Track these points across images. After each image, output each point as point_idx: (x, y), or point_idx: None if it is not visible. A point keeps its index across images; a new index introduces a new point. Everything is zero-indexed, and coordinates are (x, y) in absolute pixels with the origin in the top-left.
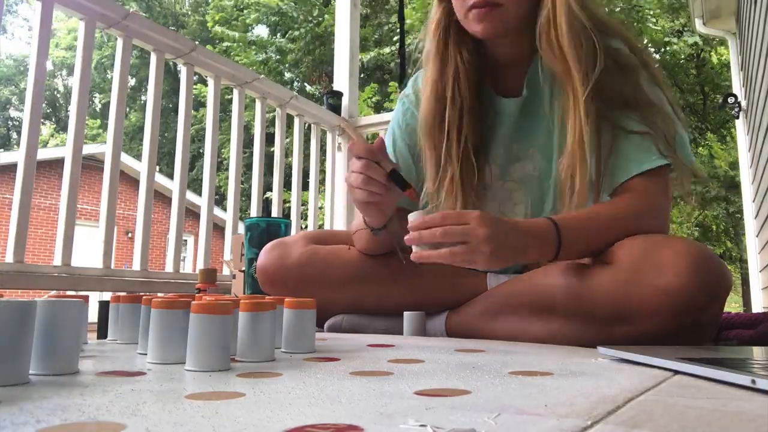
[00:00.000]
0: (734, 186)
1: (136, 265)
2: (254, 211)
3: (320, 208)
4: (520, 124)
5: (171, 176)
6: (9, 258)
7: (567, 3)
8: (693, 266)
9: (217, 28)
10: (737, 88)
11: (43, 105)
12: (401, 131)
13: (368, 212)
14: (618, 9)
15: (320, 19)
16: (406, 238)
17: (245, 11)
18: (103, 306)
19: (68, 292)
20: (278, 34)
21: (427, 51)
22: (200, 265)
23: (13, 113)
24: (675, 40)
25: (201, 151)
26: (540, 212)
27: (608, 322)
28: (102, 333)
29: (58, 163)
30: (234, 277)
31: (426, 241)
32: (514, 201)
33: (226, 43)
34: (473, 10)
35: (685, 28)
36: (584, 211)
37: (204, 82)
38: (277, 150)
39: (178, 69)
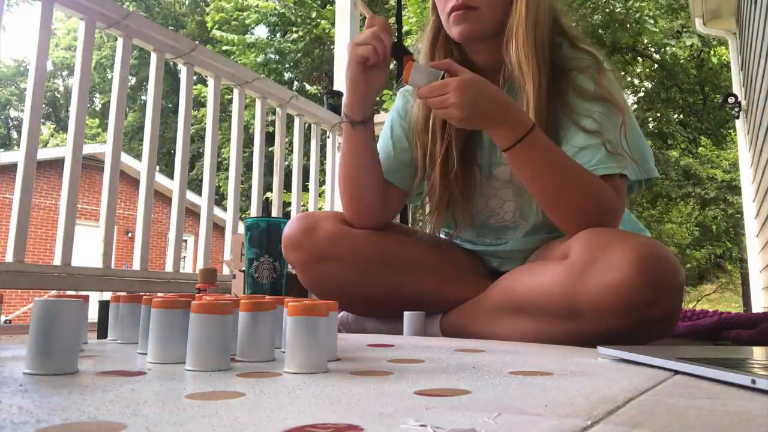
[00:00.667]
0: (732, 188)
1: (136, 265)
2: (254, 211)
3: (320, 208)
4: None
5: (171, 176)
6: (9, 258)
7: (526, 14)
8: (639, 263)
9: (216, 32)
10: (737, 88)
11: (43, 105)
12: (400, 118)
13: (359, 82)
14: (617, 10)
15: (318, 21)
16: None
17: (245, 13)
18: (103, 306)
19: (68, 292)
20: (278, 34)
21: (420, 57)
22: (200, 265)
23: (13, 113)
24: (674, 42)
25: (201, 150)
26: (530, 210)
27: (563, 319)
28: (102, 333)
29: (58, 162)
30: (234, 277)
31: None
32: (503, 198)
33: (225, 47)
34: (452, 13)
35: (685, 29)
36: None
37: (204, 82)
38: (277, 150)
39: (178, 69)
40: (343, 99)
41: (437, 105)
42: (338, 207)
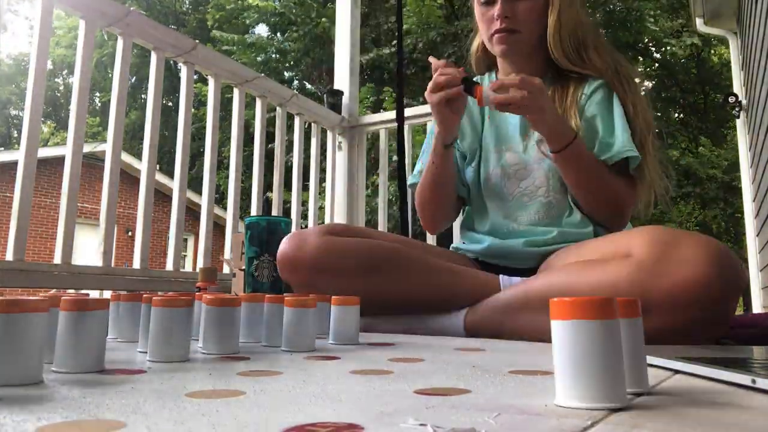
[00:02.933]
0: (732, 188)
1: (137, 264)
2: (254, 209)
3: (320, 208)
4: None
5: (171, 175)
6: (9, 256)
7: (559, 30)
8: (712, 259)
9: (216, 32)
10: (738, 87)
11: (44, 103)
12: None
13: (445, 113)
14: (618, 9)
15: (318, 20)
16: (488, 88)
17: (245, 13)
18: None
19: (68, 291)
20: (278, 34)
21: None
22: (201, 264)
23: (13, 112)
24: (674, 41)
25: (201, 149)
26: (543, 183)
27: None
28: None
29: (59, 161)
30: (234, 275)
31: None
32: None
33: (225, 46)
34: (496, 35)
35: (685, 28)
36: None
37: (204, 81)
38: (277, 149)
39: (179, 67)
40: (435, 127)
41: (517, 99)
42: (338, 206)
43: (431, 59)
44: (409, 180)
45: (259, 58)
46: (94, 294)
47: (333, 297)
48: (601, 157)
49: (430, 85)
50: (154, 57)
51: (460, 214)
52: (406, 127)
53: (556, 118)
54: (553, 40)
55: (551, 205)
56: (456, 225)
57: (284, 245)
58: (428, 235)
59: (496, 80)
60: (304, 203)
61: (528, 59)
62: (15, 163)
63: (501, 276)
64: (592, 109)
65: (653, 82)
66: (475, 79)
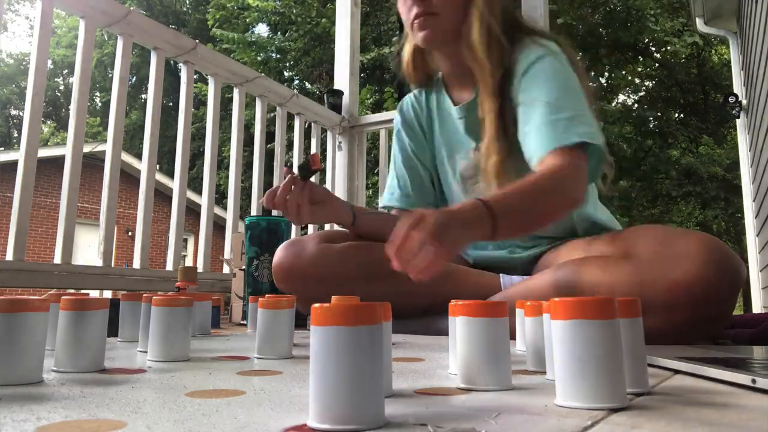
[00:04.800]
0: (732, 188)
1: (137, 264)
2: (254, 209)
3: None
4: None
5: (171, 175)
6: (9, 256)
7: (478, 18)
8: (711, 256)
9: (216, 31)
10: (738, 87)
11: (44, 103)
12: (398, 149)
13: (324, 217)
14: (618, 9)
15: (319, 20)
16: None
17: (245, 12)
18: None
19: (68, 291)
20: (278, 33)
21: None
22: (201, 264)
23: (13, 112)
24: (675, 40)
25: (201, 149)
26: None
27: None
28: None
29: (59, 161)
30: (234, 275)
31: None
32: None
33: (225, 45)
34: (415, 21)
35: (686, 28)
36: (510, 185)
37: (204, 81)
38: (277, 148)
39: (179, 67)
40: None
41: (411, 254)
42: None
43: (263, 202)
44: (381, 202)
45: (259, 58)
46: (94, 294)
47: (332, 296)
48: (557, 134)
49: (288, 215)
50: (154, 57)
51: None
52: None
53: (463, 230)
54: (475, 22)
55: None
56: None
57: (279, 255)
58: None
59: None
60: None
61: (457, 53)
62: (15, 163)
63: (501, 275)
64: (536, 87)
65: (653, 82)
66: (411, 95)
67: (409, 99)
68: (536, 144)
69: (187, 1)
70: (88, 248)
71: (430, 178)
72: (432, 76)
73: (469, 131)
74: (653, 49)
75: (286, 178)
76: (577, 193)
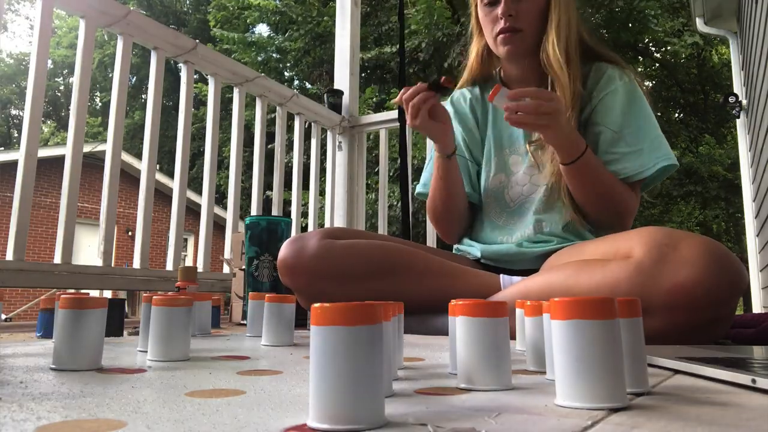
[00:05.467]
0: (733, 187)
1: (137, 264)
2: (254, 209)
3: (320, 208)
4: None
5: (171, 175)
6: (9, 256)
7: (558, 31)
8: (713, 260)
9: (216, 31)
10: (738, 87)
11: (44, 103)
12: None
13: (434, 129)
14: (618, 9)
15: (319, 19)
16: (506, 106)
17: (246, 12)
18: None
19: (69, 290)
20: (278, 33)
21: (465, 72)
22: (201, 264)
23: (13, 112)
24: (675, 40)
25: (201, 149)
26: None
27: None
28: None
29: (59, 161)
30: (234, 275)
31: (522, 109)
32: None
33: (226, 45)
34: (500, 36)
35: (686, 28)
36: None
37: (204, 81)
38: (277, 148)
39: (179, 67)
40: (434, 144)
41: (544, 109)
42: (338, 205)
43: (395, 100)
44: (417, 189)
45: (259, 58)
46: (94, 294)
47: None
48: (632, 167)
49: (408, 115)
50: (154, 57)
51: None
52: (407, 127)
53: (568, 130)
54: (555, 39)
55: (552, 211)
56: None
57: (283, 251)
58: (428, 236)
59: (509, 90)
60: (304, 203)
61: (531, 60)
62: (15, 163)
63: (501, 275)
64: (616, 109)
65: (653, 82)
66: (473, 86)
67: (461, 93)
68: (621, 168)
69: (188, 1)
70: (88, 248)
71: (475, 170)
72: (491, 75)
73: (525, 132)
74: (653, 49)
75: (418, 85)
76: (627, 224)
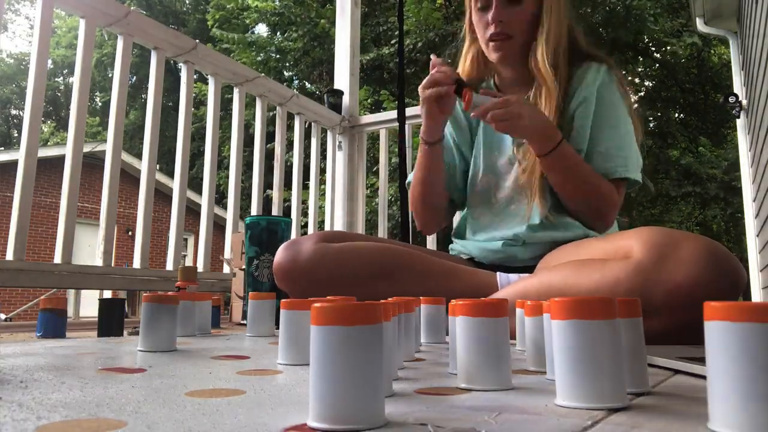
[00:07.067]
0: (732, 188)
1: (137, 263)
2: (255, 209)
3: (320, 207)
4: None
5: (171, 174)
6: (9, 256)
7: (548, 36)
8: (712, 260)
9: (216, 31)
10: (738, 87)
11: (44, 103)
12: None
13: (433, 110)
14: (618, 9)
15: (318, 20)
16: (472, 115)
17: (245, 12)
18: (106, 304)
19: (69, 290)
20: (278, 33)
21: (459, 70)
22: (201, 263)
23: (13, 112)
24: (675, 40)
25: (201, 149)
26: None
27: None
28: (104, 331)
29: (59, 161)
30: (234, 275)
31: (488, 117)
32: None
33: (225, 45)
34: (491, 42)
35: (686, 28)
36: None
37: (204, 81)
38: (277, 148)
39: (179, 67)
40: (422, 127)
41: (500, 117)
42: (338, 205)
43: (433, 57)
44: (408, 179)
45: (259, 58)
46: (94, 294)
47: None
48: (603, 165)
49: (425, 80)
50: (154, 57)
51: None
52: (407, 127)
53: (540, 124)
54: (544, 46)
55: (536, 209)
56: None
57: (279, 256)
58: (428, 237)
59: (486, 92)
60: (304, 202)
61: (522, 65)
62: (15, 163)
63: (498, 274)
64: (596, 107)
65: (653, 82)
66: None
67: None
68: (600, 166)
69: (187, 1)
70: (88, 248)
71: (462, 170)
72: (484, 78)
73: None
74: (653, 49)
75: (454, 71)
76: (609, 219)
